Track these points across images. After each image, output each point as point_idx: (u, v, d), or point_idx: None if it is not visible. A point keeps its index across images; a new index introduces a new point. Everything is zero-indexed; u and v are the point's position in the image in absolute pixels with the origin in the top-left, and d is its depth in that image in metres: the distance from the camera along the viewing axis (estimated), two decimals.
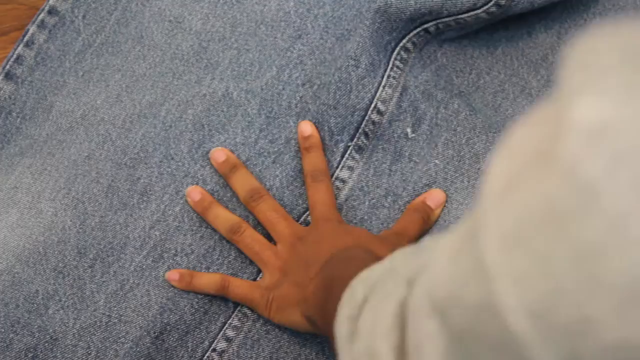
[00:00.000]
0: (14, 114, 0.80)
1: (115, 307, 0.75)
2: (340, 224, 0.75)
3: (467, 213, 0.76)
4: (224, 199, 0.77)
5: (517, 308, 0.34)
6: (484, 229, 0.36)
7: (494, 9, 0.78)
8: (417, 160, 0.79)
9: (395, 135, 0.79)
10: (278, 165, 0.78)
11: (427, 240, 0.54)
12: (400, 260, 0.55)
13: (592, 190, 0.32)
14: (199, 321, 0.75)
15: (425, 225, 0.76)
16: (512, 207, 0.35)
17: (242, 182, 0.77)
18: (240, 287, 0.75)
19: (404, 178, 0.78)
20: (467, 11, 0.78)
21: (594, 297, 0.32)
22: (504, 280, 0.34)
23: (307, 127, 0.78)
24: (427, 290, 0.42)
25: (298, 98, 0.79)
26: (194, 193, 0.77)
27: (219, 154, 0.78)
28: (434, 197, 0.78)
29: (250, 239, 0.76)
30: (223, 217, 0.77)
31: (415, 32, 0.81)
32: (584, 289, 0.32)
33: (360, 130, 0.79)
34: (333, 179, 0.78)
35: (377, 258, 0.64)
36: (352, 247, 0.70)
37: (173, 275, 0.76)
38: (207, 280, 0.76)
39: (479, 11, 0.78)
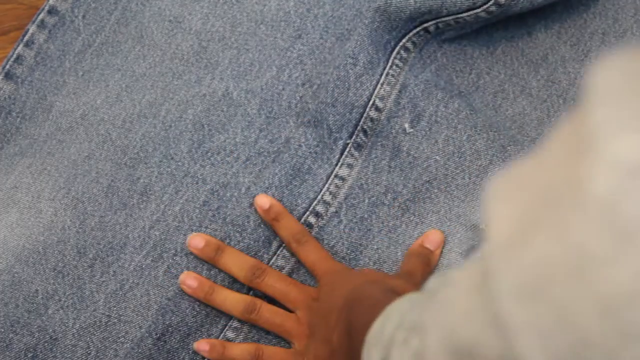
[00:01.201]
0: (13, 113, 0.80)
1: (114, 307, 0.75)
2: (346, 269, 0.73)
3: (472, 257, 0.75)
4: (224, 198, 0.77)
5: None
6: (496, 278, 0.34)
7: (493, 8, 0.78)
8: (416, 156, 0.78)
9: (394, 131, 0.79)
10: (278, 164, 0.78)
11: (432, 282, 0.52)
12: (407, 307, 0.53)
13: (629, 231, 0.29)
14: (201, 323, 0.75)
15: (428, 268, 0.74)
16: (530, 253, 0.33)
17: (237, 262, 0.74)
18: (274, 355, 0.73)
19: (403, 175, 0.78)
20: (467, 10, 0.78)
21: (625, 349, 0.30)
22: (526, 333, 0.32)
23: (263, 200, 0.75)
24: (443, 345, 0.40)
25: (298, 98, 0.79)
26: (189, 281, 0.74)
27: (197, 241, 0.75)
28: (432, 239, 0.76)
29: (269, 313, 0.73)
30: (232, 298, 0.74)
31: (415, 31, 0.81)
32: (613, 341, 0.30)
33: (358, 128, 0.79)
34: (332, 176, 0.78)
35: (393, 291, 0.62)
36: (364, 285, 0.68)
37: (203, 346, 0.73)
38: (240, 350, 0.73)
39: (478, 10, 0.78)
